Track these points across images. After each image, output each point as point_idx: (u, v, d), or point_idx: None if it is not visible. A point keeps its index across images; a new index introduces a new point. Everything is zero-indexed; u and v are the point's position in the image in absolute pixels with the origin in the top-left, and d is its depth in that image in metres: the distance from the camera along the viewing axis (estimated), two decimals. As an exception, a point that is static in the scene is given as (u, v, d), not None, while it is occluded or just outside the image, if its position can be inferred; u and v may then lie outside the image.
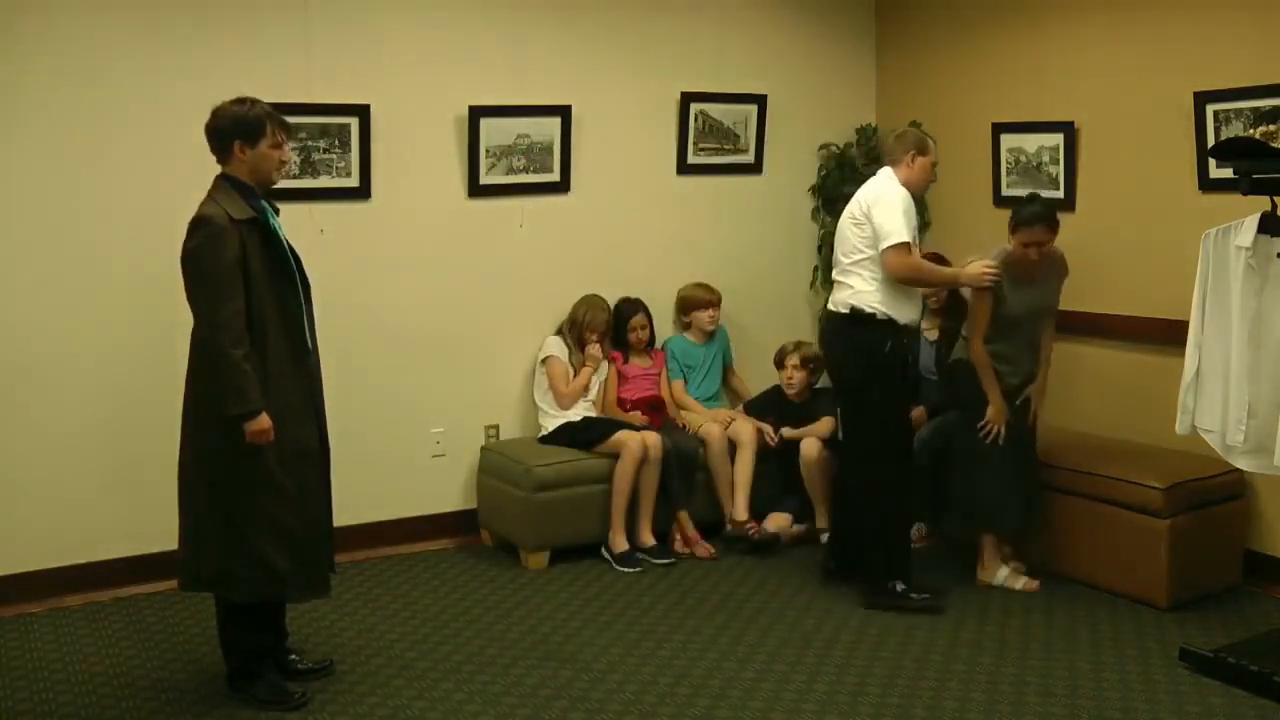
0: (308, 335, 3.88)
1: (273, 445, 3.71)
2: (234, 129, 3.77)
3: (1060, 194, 5.47)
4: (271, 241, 3.77)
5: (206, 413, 3.72)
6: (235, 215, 3.69)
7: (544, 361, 5.58)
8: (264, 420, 3.66)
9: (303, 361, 3.85)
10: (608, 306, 5.67)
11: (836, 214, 6.20)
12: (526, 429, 5.75)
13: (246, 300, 3.67)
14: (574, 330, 5.60)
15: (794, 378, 5.68)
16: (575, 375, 5.56)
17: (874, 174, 4.85)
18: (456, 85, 5.45)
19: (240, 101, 3.83)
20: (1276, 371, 4.08)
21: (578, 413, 5.53)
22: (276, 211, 3.90)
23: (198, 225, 3.69)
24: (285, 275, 3.80)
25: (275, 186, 3.93)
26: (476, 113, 5.44)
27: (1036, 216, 4.74)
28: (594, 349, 5.58)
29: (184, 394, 3.82)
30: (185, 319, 3.71)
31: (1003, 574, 4.98)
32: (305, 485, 3.82)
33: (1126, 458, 4.95)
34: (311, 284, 3.94)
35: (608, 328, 5.65)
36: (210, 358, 3.66)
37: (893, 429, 4.76)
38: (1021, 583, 4.94)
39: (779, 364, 5.76)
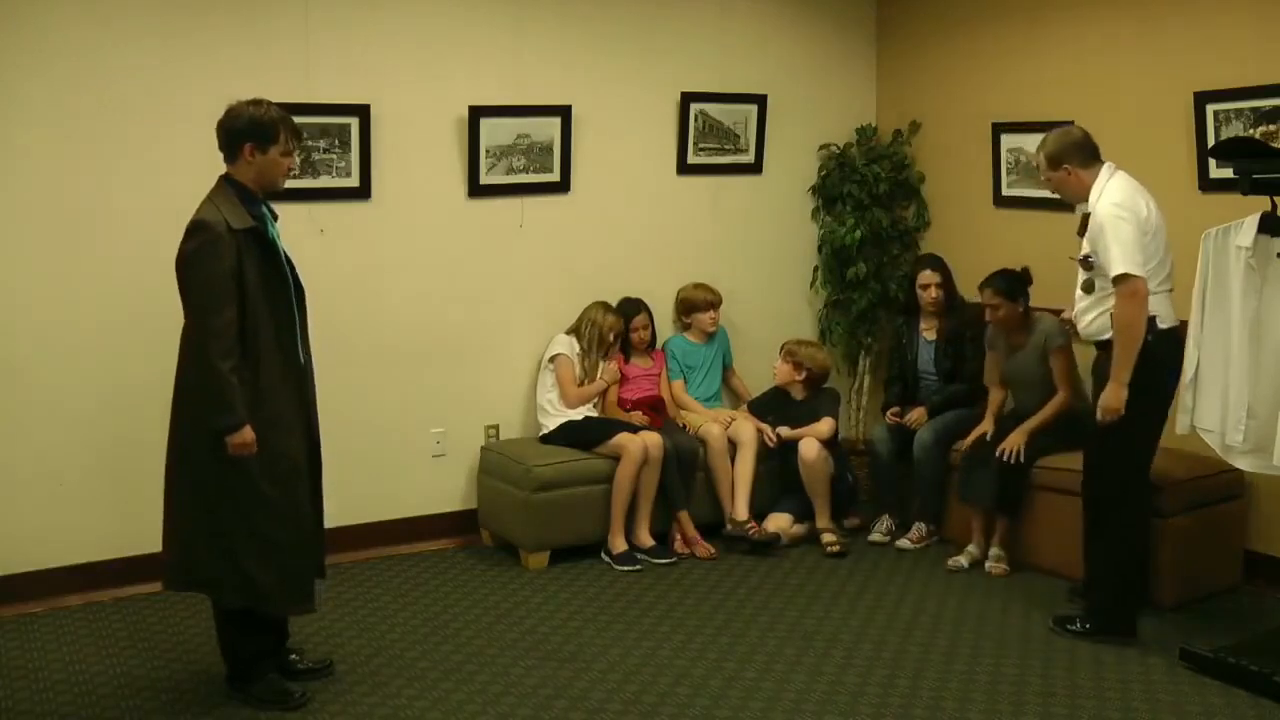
0: (300, 346, 3.85)
1: (260, 457, 3.68)
2: (247, 130, 3.73)
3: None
4: (269, 252, 3.74)
5: (194, 420, 3.70)
6: (234, 224, 3.64)
7: (552, 360, 5.57)
8: (247, 433, 3.62)
9: (294, 373, 3.82)
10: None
11: (836, 214, 6.27)
12: (526, 429, 5.75)
13: (241, 311, 3.63)
14: (594, 333, 5.58)
15: (799, 375, 5.70)
16: (587, 380, 5.56)
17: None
18: (456, 85, 5.45)
19: (256, 103, 3.78)
20: (1276, 371, 4.08)
21: (579, 412, 5.53)
22: (275, 217, 3.88)
23: (194, 230, 3.65)
24: (281, 286, 3.77)
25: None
26: (476, 113, 5.44)
27: (986, 281, 5.16)
28: (615, 367, 5.59)
29: (173, 397, 3.81)
30: (182, 316, 3.68)
31: (994, 553, 5.17)
32: (292, 498, 3.78)
33: (1126, 457, 4.95)
34: (309, 286, 3.92)
35: (621, 336, 5.69)
36: (198, 367, 3.64)
37: None
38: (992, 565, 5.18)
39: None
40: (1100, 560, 4.40)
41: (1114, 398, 4.19)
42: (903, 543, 5.46)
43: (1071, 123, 5.16)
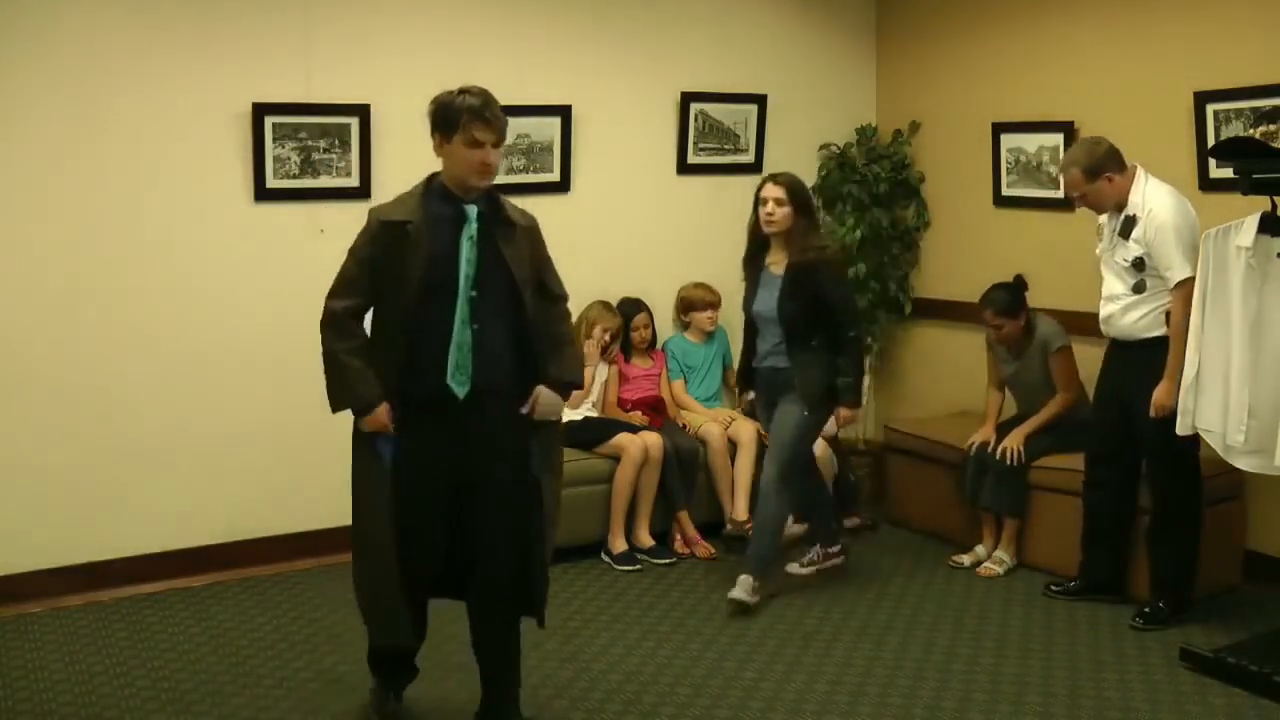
0: (452, 359, 3.40)
1: (357, 462, 3.48)
2: (434, 118, 3.49)
3: (1060, 194, 5.46)
4: (416, 252, 3.38)
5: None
6: (385, 216, 3.49)
7: None
8: (380, 413, 3.37)
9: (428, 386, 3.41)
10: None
11: (836, 214, 6.27)
12: (526, 429, 5.73)
13: (378, 307, 3.45)
14: (586, 330, 5.58)
15: None
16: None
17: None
18: (455, 85, 5.40)
19: (457, 90, 3.48)
20: (1277, 372, 4.08)
21: (579, 412, 5.53)
22: (494, 217, 3.52)
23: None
24: (437, 290, 3.39)
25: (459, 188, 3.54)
26: (476, 112, 5.43)
27: (985, 301, 5.15)
28: (590, 346, 5.52)
29: None
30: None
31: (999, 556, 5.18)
32: (376, 512, 3.45)
33: (1127, 457, 4.95)
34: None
35: (619, 334, 5.68)
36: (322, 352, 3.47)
37: None
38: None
39: None
40: (1170, 553, 4.51)
41: (1169, 394, 4.33)
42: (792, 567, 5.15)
43: (1067, 124, 5.15)
